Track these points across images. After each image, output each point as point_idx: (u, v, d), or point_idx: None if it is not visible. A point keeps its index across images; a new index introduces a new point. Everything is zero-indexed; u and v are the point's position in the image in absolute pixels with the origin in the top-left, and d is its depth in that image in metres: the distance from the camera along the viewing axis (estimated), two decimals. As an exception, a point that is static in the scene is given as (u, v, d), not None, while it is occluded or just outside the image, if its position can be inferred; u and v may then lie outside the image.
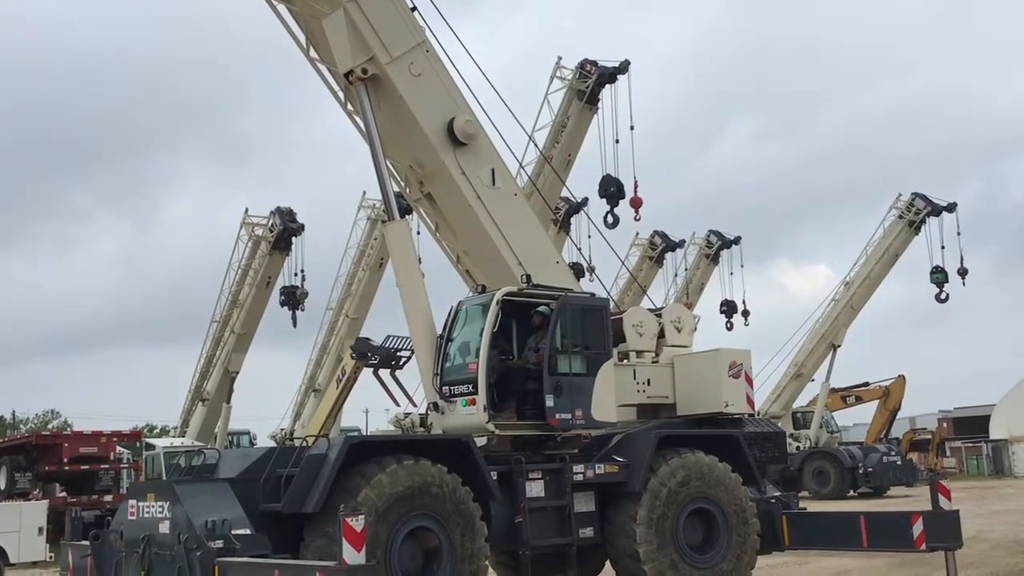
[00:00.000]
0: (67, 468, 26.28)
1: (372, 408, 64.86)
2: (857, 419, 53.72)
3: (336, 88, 14.03)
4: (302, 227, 34.78)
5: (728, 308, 43.10)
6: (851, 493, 36.77)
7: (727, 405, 13.63)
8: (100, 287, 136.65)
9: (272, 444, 30.93)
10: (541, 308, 12.46)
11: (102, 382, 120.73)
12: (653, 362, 14.02)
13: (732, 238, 43.22)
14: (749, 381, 14.02)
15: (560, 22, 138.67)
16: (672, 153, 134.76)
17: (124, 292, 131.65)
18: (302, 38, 13.90)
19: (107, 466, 27.10)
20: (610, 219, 24.28)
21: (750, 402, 14.11)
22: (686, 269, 43.60)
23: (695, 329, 14.89)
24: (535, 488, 11.76)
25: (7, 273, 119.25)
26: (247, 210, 36.41)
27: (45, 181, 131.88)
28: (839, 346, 38.64)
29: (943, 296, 37.04)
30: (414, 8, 13.67)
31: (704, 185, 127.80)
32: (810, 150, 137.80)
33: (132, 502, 10.99)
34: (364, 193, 38.97)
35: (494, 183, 13.77)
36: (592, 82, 27.73)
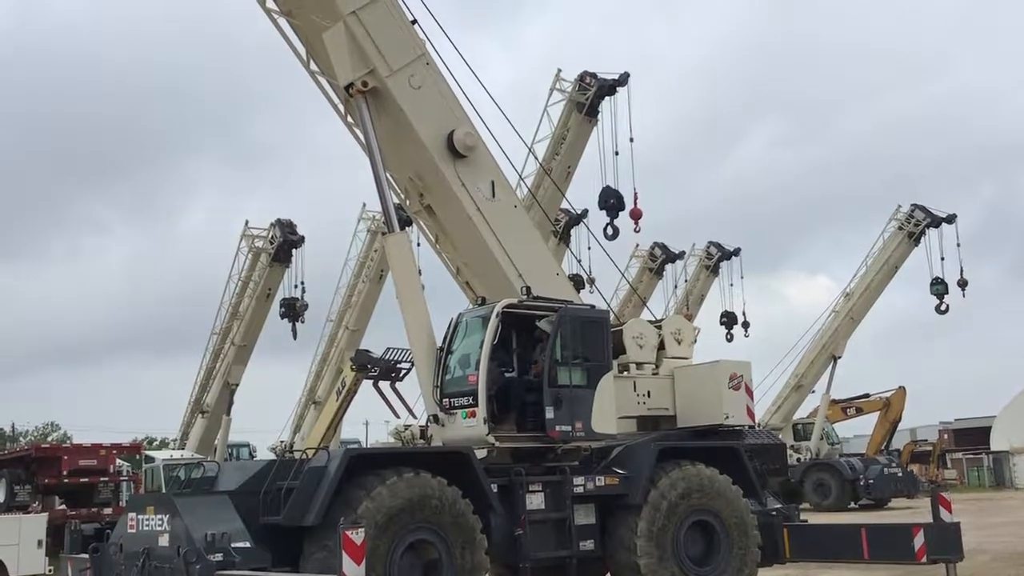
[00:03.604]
0: (67, 481, 26.14)
1: (372, 420, 64.88)
2: (858, 431, 53.57)
3: (336, 100, 14.09)
4: (302, 239, 34.92)
5: (728, 319, 43.11)
6: (852, 505, 36.66)
7: (727, 417, 13.65)
8: (105, 298, 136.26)
9: (272, 456, 30.92)
10: (541, 321, 12.45)
11: (102, 394, 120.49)
12: (653, 374, 14.03)
13: (732, 249, 43.27)
14: (749, 393, 14.04)
15: (583, 29, 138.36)
16: (689, 160, 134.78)
17: (128, 303, 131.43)
18: (302, 51, 13.95)
19: (107, 479, 26.94)
20: (610, 231, 24.29)
21: (750, 414, 14.12)
22: (686, 280, 43.63)
23: (695, 341, 14.92)
24: (535, 500, 11.75)
25: (14, 283, 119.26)
26: (247, 222, 36.61)
27: (57, 190, 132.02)
28: (839, 357, 38.59)
29: (943, 307, 37.25)
30: (414, 21, 13.71)
31: (719, 192, 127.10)
32: (823, 158, 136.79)
33: (132, 515, 10.99)
34: (364, 205, 39.10)
35: (494, 195, 13.79)
36: (591, 94, 27.82)
